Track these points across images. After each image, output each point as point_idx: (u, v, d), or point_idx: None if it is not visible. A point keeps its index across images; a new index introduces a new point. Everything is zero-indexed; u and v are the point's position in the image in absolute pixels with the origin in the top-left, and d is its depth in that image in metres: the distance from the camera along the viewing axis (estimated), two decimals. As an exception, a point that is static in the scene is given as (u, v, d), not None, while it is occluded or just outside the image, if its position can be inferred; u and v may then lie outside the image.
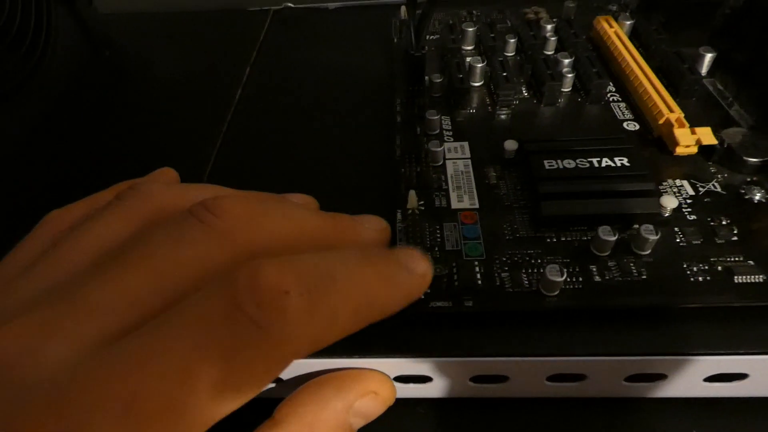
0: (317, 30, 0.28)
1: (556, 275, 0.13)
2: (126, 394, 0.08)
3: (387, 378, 0.13)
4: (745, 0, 0.21)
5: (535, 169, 0.15)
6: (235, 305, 0.09)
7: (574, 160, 0.15)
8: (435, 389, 0.14)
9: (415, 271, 0.12)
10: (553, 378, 0.13)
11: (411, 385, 0.14)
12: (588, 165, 0.15)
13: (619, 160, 0.15)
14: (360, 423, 0.13)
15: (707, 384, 0.13)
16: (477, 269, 0.14)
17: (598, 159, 0.15)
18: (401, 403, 0.14)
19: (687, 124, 0.17)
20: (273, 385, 0.14)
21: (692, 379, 0.13)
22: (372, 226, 0.14)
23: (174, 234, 0.11)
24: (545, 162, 0.16)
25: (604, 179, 0.15)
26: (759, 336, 0.13)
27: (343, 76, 0.25)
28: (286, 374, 0.14)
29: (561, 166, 0.15)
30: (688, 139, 0.16)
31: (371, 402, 0.13)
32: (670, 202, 0.14)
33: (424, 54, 0.20)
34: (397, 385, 0.14)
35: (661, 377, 0.13)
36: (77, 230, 0.12)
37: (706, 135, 0.16)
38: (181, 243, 0.10)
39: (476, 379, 0.14)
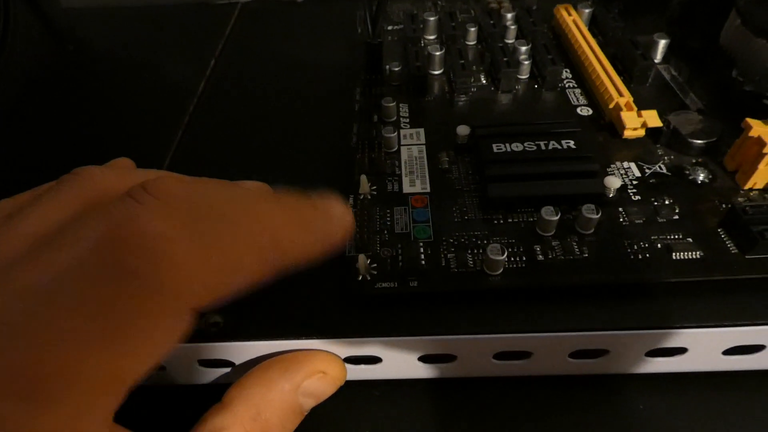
0: (285, 23, 0.28)
1: (497, 254, 0.13)
2: (22, 370, 0.08)
3: (335, 358, 0.13)
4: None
5: (483, 152, 0.16)
6: (113, 258, 0.09)
7: (522, 144, 0.16)
8: (386, 370, 0.14)
9: (332, 216, 0.12)
10: (500, 356, 0.14)
11: (362, 366, 0.14)
12: (535, 148, 0.16)
13: (566, 142, 0.16)
14: (311, 403, 0.13)
15: (650, 359, 0.14)
16: (422, 250, 0.14)
17: (546, 142, 0.16)
18: (356, 385, 0.14)
19: (635, 108, 0.17)
20: (227, 370, 0.14)
21: (636, 354, 0.14)
22: (336, 211, 0.14)
23: (112, 216, 0.11)
24: (494, 145, 0.16)
25: (550, 161, 0.15)
26: (697, 310, 0.13)
27: (308, 67, 0.25)
28: (238, 359, 0.14)
29: (509, 149, 0.16)
30: (635, 122, 0.16)
31: (320, 382, 0.13)
32: (614, 183, 0.15)
33: (380, 42, 0.20)
34: (349, 366, 0.14)
35: (603, 353, 0.14)
36: (15, 217, 0.12)
37: (652, 118, 0.16)
38: (119, 224, 0.10)
39: (425, 358, 0.14)
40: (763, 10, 0.18)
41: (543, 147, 0.16)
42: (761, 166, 0.14)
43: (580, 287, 0.13)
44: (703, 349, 0.13)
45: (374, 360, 0.14)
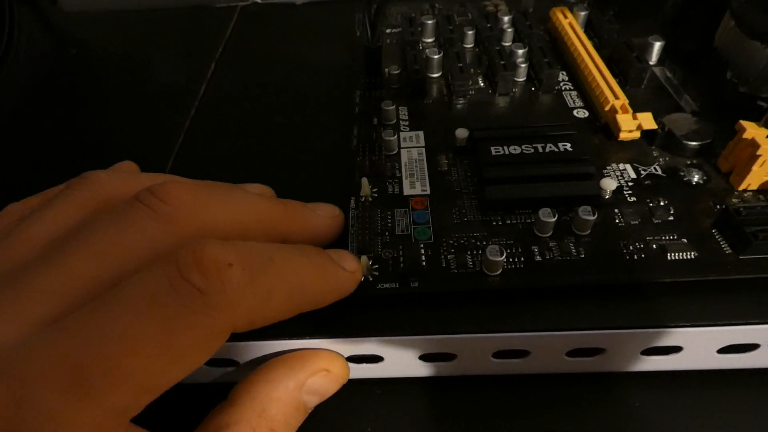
0: (284, 26, 0.29)
1: (496, 255, 0.13)
2: (69, 364, 0.09)
3: (338, 356, 0.14)
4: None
5: (481, 155, 0.16)
6: (178, 275, 0.10)
7: (520, 146, 0.16)
8: (387, 369, 0.14)
9: (346, 268, 0.13)
10: (498, 354, 0.14)
11: (364, 365, 0.14)
12: (533, 150, 0.16)
13: (563, 145, 0.16)
14: (315, 400, 0.13)
15: (645, 357, 0.14)
16: (423, 252, 0.14)
17: (543, 145, 0.16)
18: (358, 384, 0.15)
19: (630, 110, 0.17)
20: (233, 369, 0.15)
21: (632, 352, 0.14)
22: (324, 213, 0.15)
23: (119, 219, 0.11)
24: (492, 148, 0.16)
25: (547, 164, 0.15)
26: (692, 310, 0.13)
27: (308, 70, 0.25)
28: (243, 358, 0.14)
29: (507, 152, 0.16)
30: (630, 124, 0.17)
31: (323, 379, 0.13)
32: (609, 185, 0.15)
33: (380, 46, 0.21)
34: (351, 365, 0.14)
35: (599, 351, 0.14)
36: (26, 221, 0.12)
37: (647, 120, 0.17)
38: (126, 228, 0.11)
39: (425, 357, 0.14)
40: (757, 12, 0.19)
41: (540, 149, 0.16)
42: (755, 167, 0.14)
43: (577, 287, 0.14)
44: (698, 347, 0.14)
45: (376, 359, 0.14)
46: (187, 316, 0.10)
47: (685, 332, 0.13)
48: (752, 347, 0.14)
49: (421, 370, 0.14)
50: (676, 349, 0.14)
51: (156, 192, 0.11)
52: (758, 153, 0.14)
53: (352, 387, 0.14)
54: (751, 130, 0.15)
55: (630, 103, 0.18)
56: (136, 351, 0.09)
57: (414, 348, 0.14)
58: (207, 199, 0.12)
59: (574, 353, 0.14)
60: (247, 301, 0.10)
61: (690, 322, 0.13)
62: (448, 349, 0.14)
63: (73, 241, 0.11)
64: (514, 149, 0.16)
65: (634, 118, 0.17)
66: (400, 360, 0.14)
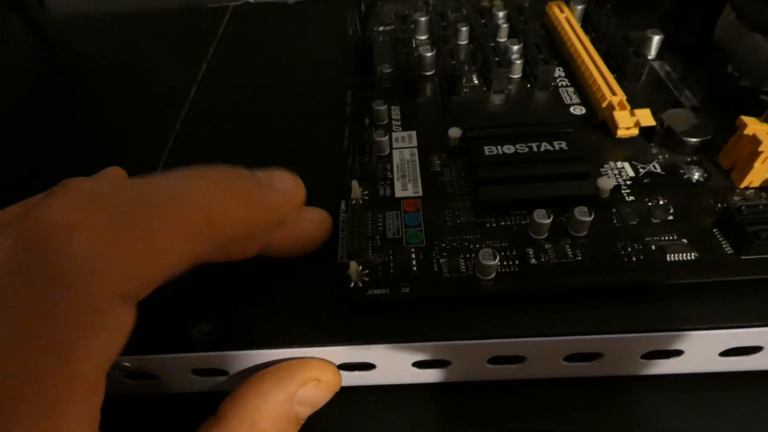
0: (276, 25, 0.28)
1: (489, 259, 0.13)
2: None
3: (329, 365, 0.13)
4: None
5: (474, 155, 0.15)
6: (24, 257, 0.08)
7: (514, 146, 0.16)
8: (380, 376, 0.14)
9: (276, 188, 0.12)
10: (494, 360, 0.14)
11: (356, 373, 0.14)
12: (527, 150, 0.15)
13: (558, 144, 0.16)
14: (307, 411, 0.13)
15: (645, 361, 0.13)
16: (413, 256, 0.14)
17: (538, 143, 0.16)
18: (351, 392, 0.14)
19: (628, 107, 0.17)
20: (223, 379, 0.14)
21: (632, 357, 0.13)
22: (311, 217, 0.14)
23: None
24: (485, 148, 0.16)
25: (542, 163, 0.15)
26: (692, 312, 0.13)
27: (300, 70, 0.25)
28: (232, 368, 0.14)
29: (500, 152, 0.15)
30: (628, 121, 0.16)
31: (314, 389, 0.13)
32: (607, 184, 0.15)
33: (371, 44, 0.20)
34: (344, 373, 0.14)
35: (598, 356, 0.13)
36: (3, 230, 0.12)
37: (645, 116, 0.16)
38: None
39: (419, 364, 0.14)
40: (757, 4, 0.18)
41: (535, 149, 0.15)
42: (756, 164, 0.14)
43: (574, 290, 0.13)
44: (700, 351, 0.13)
45: (368, 366, 0.14)
46: (45, 304, 0.08)
47: (686, 336, 0.13)
48: (755, 350, 0.13)
49: (415, 376, 0.14)
50: (677, 353, 0.13)
51: (62, 182, 0.10)
52: (760, 149, 0.14)
53: (345, 395, 0.14)
54: (752, 125, 0.14)
55: (628, 99, 0.17)
56: (24, 362, 0.08)
57: (407, 355, 0.13)
58: (120, 186, 0.10)
59: (571, 358, 0.13)
60: (122, 264, 0.09)
61: (691, 325, 0.13)
62: (442, 355, 0.13)
63: None
64: (508, 148, 0.16)
65: (632, 114, 0.16)
66: (393, 367, 0.14)
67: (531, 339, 0.13)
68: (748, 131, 0.14)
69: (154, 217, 0.09)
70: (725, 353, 0.13)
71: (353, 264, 0.13)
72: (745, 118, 0.14)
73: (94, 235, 0.09)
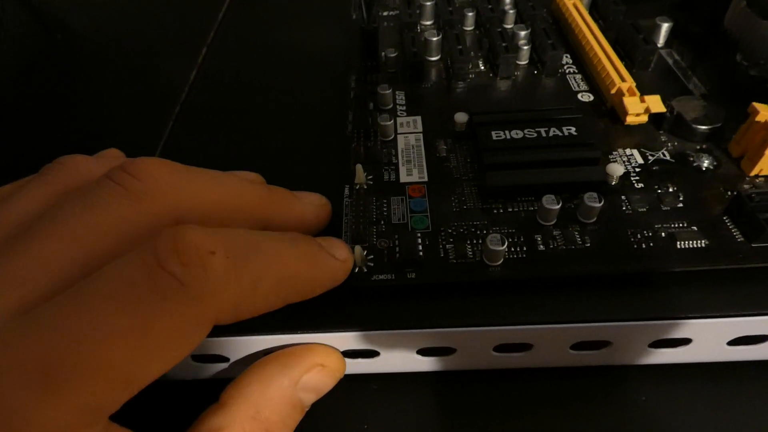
0: (278, 9, 0.28)
1: (497, 244, 0.13)
2: (38, 358, 0.08)
3: (334, 350, 0.13)
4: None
5: (481, 140, 0.15)
6: (157, 264, 0.09)
7: (522, 131, 0.15)
8: (384, 364, 0.14)
9: (336, 256, 0.12)
10: (500, 348, 0.13)
11: (360, 360, 0.14)
12: (535, 135, 0.15)
13: (567, 129, 0.15)
14: (311, 397, 0.13)
15: (653, 350, 0.13)
16: (419, 241, 0.14)
17: (546, 129, 0.15)
18: (354, 379, 0.14)
19: (637, 93, 0.16)
20: (225, 366, 0.14)
21: (640, 345, 0.13)
22: (310, 201, 0.14)
23: (88, 199, 0.10)
24: (492, 133, 0.15)
25: (550, 148, 0.15)
26: (701, 300, 0.13)
27: (302, 54, 0.24)
28: (235, 354, 0.14)
29: (508, 137, 0.15)
30: (638, 108, 0.16)
31: (319, 375, 0.13)
32: (616, 170, 0.14)
33: (376, 28, 0.20)
34: (347, 360, 0.14)
35: (605, 344, 0.13)
36: None
37: (655, 103, 0.16)
38: (95, 207, 0.10)
39: (424, 351, 0.14)
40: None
41: (543, 134, 0.15)
42: (763, 151, 0.14)
43: (582, 277, 0.13)
44: (708, 339, 0.13)
45: (372, 353, 0.14)
46: (165, 307, 0.09)
47: (695, 324, 0.13)
48: (764, 338, 0.13)
49: (420, 364, 0.14)
50: (685, 342, 0.13)
51: (128, 168, 0.11)
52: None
53: (348, 383, 0.14)
54: (764, 112, 0.14)
55: (637, 87, 0.17)
56: (110, 344, 0.09)
57: (411, 342, 0.13)
58: (183, 178, 0.11)
59: (579, 346, 0.13)
60: (231, 291, 0.10)
61: (700, 313, 0.12)
62: (447, 342, 0.13)
63: (41, 224, 0.10)
64: (516, 134, 0.15)
65: (642, 101, 0.16)
66: (397, 354, 0.14)
67: (538, 326, 0.13)
68: (760, 118, 0.14)
69: (261, 262, 0.11)
70: (733, 342, 0.13)
71: (358, 249, 0.13)
72: (757, 105, 0.14)
73: (223, 263, 0.10)
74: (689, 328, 0.13)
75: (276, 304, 0.11)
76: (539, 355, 0.13)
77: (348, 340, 0.13)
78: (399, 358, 0.14)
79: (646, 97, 0.16)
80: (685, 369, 0.14)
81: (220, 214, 0.12)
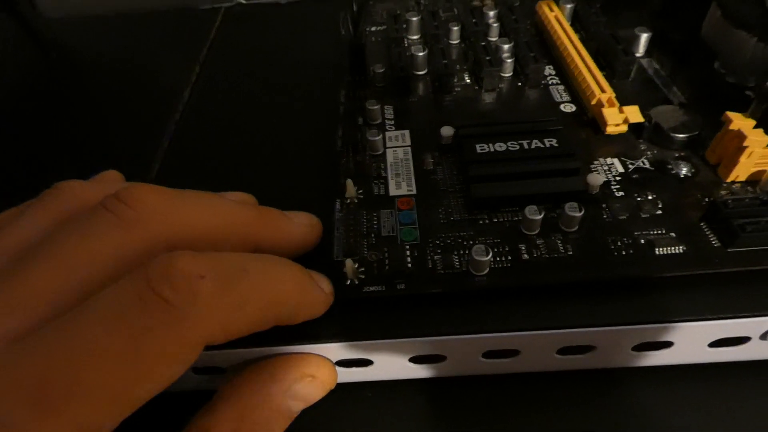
0: (269, 26, 0.28)
1: (482, 255, 0.13)
2: (36, 379, 0.09)
3: (326, 361, 0.14)
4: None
5: (466, 153, 0.16)
6: (148, 289, 0.10)
7: (505, 143, 0.16)
8: (377, 372, 0.14)
9: (324, 289, 0.13)
10: (488, 354, 0.14)
11: (354, 369, 0.14)
12: (518, 147, 0.16)
13: (549, 140, 0.16)
14: (300, 406, 0.13)
15: (637, 353, 0.14)
16: (408, 253, 0.14)
17: (528, 141, 0.16)
18: (348, 388, 0.15)
19: (617, 104, 0.17)
20: (221, 376, 0.14)
21: (623, 349, 0.14)
22: (300, 221, 0.15)
23: (83, 227, 0.11)
24: (477, 146, 0.16)
25: (532, 160, 0.15)
26: (681, 305, 0.13)
27: (294, 70, 0.25)
28: (230, 365, 0.14)
29: (492, 149, 0.16)
30: (616, 118, 0.16)
31: (309, 385, 0.13)
32: (596, 180, 0.15)
33: (363, 44, 0.20)
34: (341, 369, 0.14)
35: (590, 349, 0.14)
36: None
37: (634, 113, 0.17)
38: (91, 235, 0.11)
39: (415, 359, 0.14)
40: (742, 1, 0.18)
41: (526, 146, 0.16)
42: (742, 158, 0.14)
43: (566, 285, 0.13)
44: (689, 342, 0.13)
45: (366, 362, 0.14)
46: (156, 330, 0.09)
47: (676, 327, 0.13)
48: (743, 340, 0.13)
49: (412, 372, 0.14)
50: (667, 345, 0.14)
51: (121, 196, 0.11)
52: (744, 144, 0.14)
53: (343, 391, 0.14)
54: (737, 121, 0.14)
55: (617, 97, 0.18)
56: (103, 366, 0.09)
57: (403, 351, 0.14)
58: (175, 204, 0.12)
59: (564, 351, 0.14)
60: (220, 313, 0.10)
61: (680, 317, 0.13)
62: (438, 350, 0.14)
63: (37, 253, 0.10)
64: (500, 146, 0.16)
65: (621, 111, 0.17)
66: (389, 363, 0.14)
67: (524, 333, 0.13)
68: (733, 126, 0.14)
69: (249, 286, 0.11)
70: (714, 344, 0.14)
71: (349, 262, 0.14)
72: (730, 114, 0.15)
73: (211, 287, 0.10)
74: (671, 331, 0.13)
75: (262, 326, 0.11)
76: (527, 360, 0.14)
77: (342, 350, 0.14)
78: (392, 366, 0.14)
79: (625, 108, 0.17)
80: (670, 370, 0.14)
81: (211, 238, 0.12)
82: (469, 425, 0.14)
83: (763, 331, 0.13)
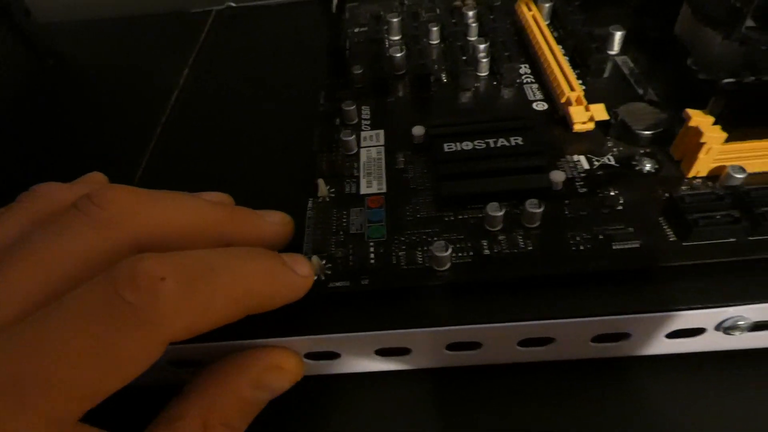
0: (259, 28, 0.29)
1: (441, 250, 0.14)
2: (9, 373, 0.09)
3: (292, 353, 0.14)
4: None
5: (435, 152, 0.16)
6: (114, 291, 0.10)
7: (472, 142, 0.16)
8: (345, 365, 0.15)
9: (298, 272, 0.13)
10: (452, 347, 0.14)
11: (322, 362, 0.15)
12: (485, 146, 0.16)
13: (515, 139, 0.16)
14: (266, 396, 0.14)
15: (594, 344, 0.14)
16: (373, 249, 0.15)
17: (495, 139, 0.16)
18: (317, 379, 0.15)
19: (584, 102, 0.17)
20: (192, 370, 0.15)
21: (582, 340, 0.14)
22: (273, 220, 0.15)
23: (56, 228, 0.11)
24: (445, 145, 0.16)
25: (498, 158, 0.16)
26: (636, 298, 0.13)
27: (281, 72, 0.25)
28: (202, 360, 0.15)
29: (460, 148, 0.16)
30: (582, 116, 0.17)
31: (275, 375, 0.14)
32: (558, 177, 0.15)
33: (342, 46, 0.21)
34: (310, 362, 0.15)
35: (550, 341, 0.14)
36: None
37: (599, 111, 0.17)
38: (62, 235, 0.11)
39: (381, 352, 0.15)
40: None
41: (492, 144, 0.16)
42: (701, 155, 0.15)
43: (526, 279, 0.14)
44: (646, 334, 0.14)
45: (333, 355, 0.15)
46: (121, 330, 0.10)
47: (632, 319, 0.13)
48: (698, 332, 0.14)
49: (379, 364, 0.15)
50: (625, 336, 0.14)
51: (93, 197, 0.12)
52: (702, 140, 0.14)
53: (312, 382, 0.15)
54: (696, 117, 0.15)
55: (592, 94, 0.18)
56: (70, 362, 0.10)
57: (369, 344, 0.14)
58: (146, 204, 0.12)
59: (525, 343, 0.14)
60: (183, 313, 0.11)
61: (637, 308, 0.13)
62: (402, 343, 0.14)
63: (11, 253, 0.11)
64: (467, 145, 0.16)
65: (587, 109, 0.17)
66: (356, 356, 0.15)
67: (486, 325, 0.14)
68: (692, 123, 0.15)
69: (213, 283, 0.11)
70: (671, 335, 0.14)
71: (315, 258, 0.14)
72: (690, 111, 0.15)
73: (174, 288, 0.11)
74: (627, 323, 0.14)
75: (232, 318, 0.12)
76: (489, 352, 0.14)
77: (309, 343, 0.14)
78: (359, 359, 0.15)
79: (591, 106, 0.17)
80: (622, 361, 0.15)
81: (182, 237, 0.13)
82: (434, 416, 0.15)
83: (716, 322, 0.13)
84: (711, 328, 0.14)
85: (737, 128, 0.14)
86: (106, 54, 0.29)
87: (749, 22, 0.17)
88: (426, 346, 0.14)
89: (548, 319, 0.13)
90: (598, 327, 0.14)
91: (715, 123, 0.15)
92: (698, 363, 0.15)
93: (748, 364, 0.14)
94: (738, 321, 0.13)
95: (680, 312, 0.13)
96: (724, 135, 0.14)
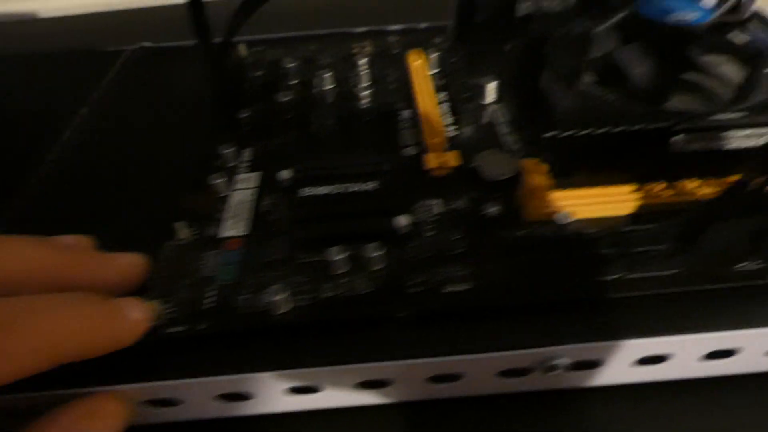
0: (170, 69, 0.29)
1: (274, 295, 0.14)
2: None
3: (111, 397, 0.14)
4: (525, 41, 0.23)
5: (292, 196, 0.17)
6: None
7: (330, 186, 0.17)
8: (187, 411, 0.15)
9: (128, 318, 0.13)
10: (292, 391, 0.14)
11: (162, 409, 0.15)
12: (340, 191, 0.17)
13: (372, 183, 0.17)
14: None
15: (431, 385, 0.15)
16: (217, 293, 0.15)
17: (351, 184, 0.17)
18: (160, 428, 0.15)
19: (441, 148, 0.18)
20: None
21: (415, 381, 0.14)
22: (123, 262, 0.15)
23: None
24: (306, 189, 0.17)
25: (349, 203, 0.16)
26: (468, 338, 0.14)
27: (177, 114, 0.25)
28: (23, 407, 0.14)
29: (317, 193, 0.17)
30: (436, 161, 0.18)
31: (88, 423, 0.13)
32: (403, 221, 0.16)
33: (230, 89, 0.22)
34: (150, 409, 0.14)
35: (387, 383, 0.14)
36: None
37: (453, 158, 0.18)
38: None
39: (224, 396, 0.14)
40: (559, 55, 0.20)
41: (346, 189, 0.17)
42: (532, 200, 0.16)
43: (362, 320, 0.14)
44: (478, 374, 0.14)
45: (174, 402, 0.14)
46: None
47: (466, 360, 0.14)
48: (526, 372, 0.14)
49: (221, 410, 0.15)
50: (456, 377, 0.14)
51: None
52: (531, 187, 0.15)
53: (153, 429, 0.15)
54: (529, 166, 0.16)
55: (463, 141, 0.19)
56: None
57: (210, 389, 0.14)
58: None
59: (363, 385, 0.14)
60: None
61: (468, 350, 0.14)
62: (241, 388, 0.14)
63: None
64: (324, 189, 0.17)
65: (441, 156, 0.18)
66: (199, 402, 0.14)
67: (321, 368, 0.14)
68: (526, 172, 0.16)
69: (12, 338, 0.11)
70: (503, 374, 0.14)
71: (154, 303, 0.14)
72: (526, 161, 0.16)
73: None
74: (460, 364, 0.14)
75: (40, 367, 0.12)
76: (328, 396, 0.14)
77: (148, 390, 0.14)
78: (202, 405, 0.15)
79: (447, 153, 0.18)
80: (461, 401, 0.15)
81: (10, 282, 0.13)
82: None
83: (538, 361, 0.14)
84: (538, 368, 0.14)
85: (564, 177, 0.16)
86: (4, 90, 0.28)
87: (591, 78, 0.19)
88: (266, 391, 0.14)
89: (385, 360, 0.14)
90: (433, 368, 0.14)
91: (550, 171, 0.16)
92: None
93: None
94: (555, 361, 0.14)
95: (507, 352, 0.14)
96: (549, 182, 0.15)
